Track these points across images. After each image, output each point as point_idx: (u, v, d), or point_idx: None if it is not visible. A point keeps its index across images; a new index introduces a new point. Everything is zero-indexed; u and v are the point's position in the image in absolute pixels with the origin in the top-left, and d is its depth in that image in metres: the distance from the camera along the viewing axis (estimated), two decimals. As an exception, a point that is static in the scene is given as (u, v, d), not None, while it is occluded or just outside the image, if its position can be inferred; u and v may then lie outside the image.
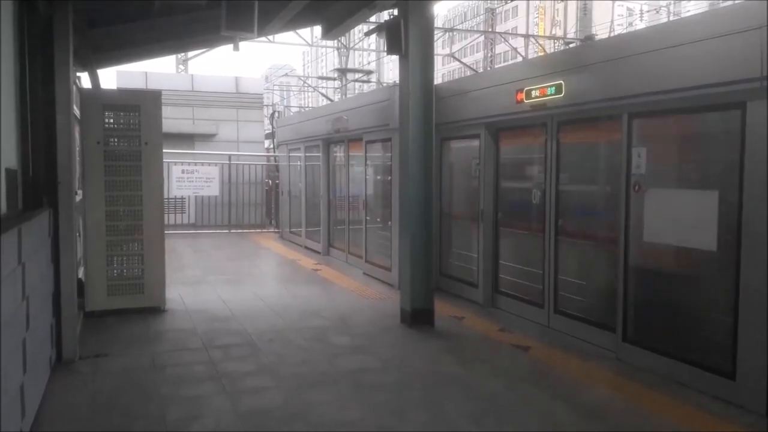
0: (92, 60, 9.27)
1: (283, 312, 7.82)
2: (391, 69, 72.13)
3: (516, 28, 62.32)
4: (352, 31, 25.32)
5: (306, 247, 13.91)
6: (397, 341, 6.65)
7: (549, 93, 6.72)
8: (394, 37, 7.18)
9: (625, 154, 5.78)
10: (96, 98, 7.62)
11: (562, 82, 6.54)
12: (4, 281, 3.27)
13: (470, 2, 70.36)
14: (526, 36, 33.84)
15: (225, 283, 9.73)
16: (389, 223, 9.70)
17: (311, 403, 4.84)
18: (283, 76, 55.77)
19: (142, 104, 7.51)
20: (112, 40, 9.22)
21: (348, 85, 29.92)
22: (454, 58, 29.55)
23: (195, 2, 7.15)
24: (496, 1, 38.61)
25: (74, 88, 6.63)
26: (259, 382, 5.32)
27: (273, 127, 19.66)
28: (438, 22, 47.63)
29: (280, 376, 5.47)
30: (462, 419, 4.58)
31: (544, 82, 6.78)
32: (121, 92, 9.51)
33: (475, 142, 8.23)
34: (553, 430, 4.46)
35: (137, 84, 17.43)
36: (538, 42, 33.71)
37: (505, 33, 39.00)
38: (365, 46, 43.17)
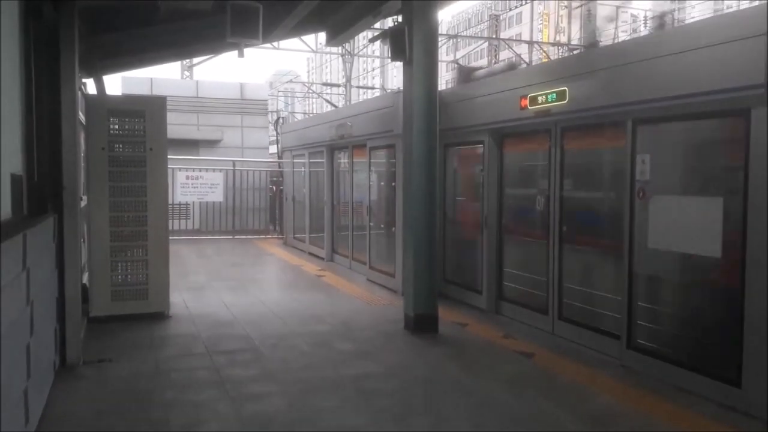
0: (98, 66, 9.32)
1: (286, 317, 7.82)
2: (395, 75, 72.24)
3: (520, 34, 62.37)
4: (356, 37, 25.40)
5: (310, 253, 13.91)
6: (401, 347, 6.64)
7: (552, 99, 6.72)
8: (398, 44, 7.19)
9: (629, 160, 5.77)
10: (101, 104, 7.65)
11: (566, 88, 6.54)
12: (9, 286, 3.28)
13: (474, 9, 70.50)
14: (530, 42, 33.89)
15: (229, 289, 9.74)
16: (393, 229, 9.70)
17: (315, 409, 4.83)
18: (287, 82, 55.93)
19: (147, 110, 7.54)
20: (117, 47, 9.27)
21: (351, 91, 29.97)
22: (458, 64, 29.59)
23: (200, 9, 7.19)
24: (500, 1, 38.58)
25: (79, 94, 6.65)
26: (262, 388, 5.32)
27: (277, 134, 19.72)
28: (442, 29, 47.76)
29: (283, 381, 5.47)
30: (465, 426, 4.56)
31: (548, 88, 6.78)
32: (126, 98, 9.55)
33: (479, 149, 8.23)
34: (557, 437, 4.45)
35: (142, 90, 17.49)
36: (542, 48, 33.73)
37: (509, 39, 39.03)
38: (369, 53, 43.25)
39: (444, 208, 9.08)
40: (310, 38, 24.51)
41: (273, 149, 23.19)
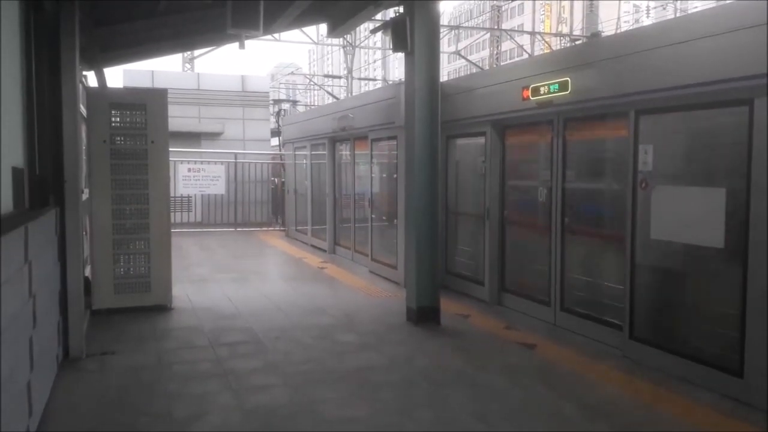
0: (99, 59, 9.29)
1: (289, 310, 7.83)
2: (396, 67, 72.05)
3: (522, 25, 62.15)
4: (357, 28, 25.31)
5: (312, 245, 13.93)
6: (403, 339, 6.65)
7: (555, 90, 6.69)
8: (400, 35, 7.17)
9: (632, 151, 5.76)
10: (102, 97, 7.64)
11: (568, 79, 6.51)
12: (11, 280, 3.29)
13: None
14: (532, 33, 33.76)
15: (231, 281, 9.75)
16: (395, 221, 9.70)
17: (317, 401, 4.85)
18: (289, 74, 55.75)
19: (148, 103, 7.52)
20: (118, 39, 9.25)
21: (352, 83, 29.88)
22: (460, 55, 29.50)
23: (201, 0, 7.16)
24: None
25: (81, 86, 6.64)
26: (265, 380, 5.34)
27: (279, 126, 19.71)
28: (444, 20, 47.59)
29: (286, 373, 5.48)
30: (468, 417, 4.57)
31: (551, 79, 6.76)
32: (128, 91, 9.53)
33: (481, 140, 8.21)
34: (559, 428, 4.45)
35: (144, 83, 17.47)
36: (544, 39, 33.60)
37: (511, 30, 38.88)
38: (371, 44, 43.12)
39: (446, 200, 9.06)
40: (311, 30, 24.48)
41: (275, 141, 23.18)
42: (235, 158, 17.35)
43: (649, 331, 5.73)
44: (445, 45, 41.70)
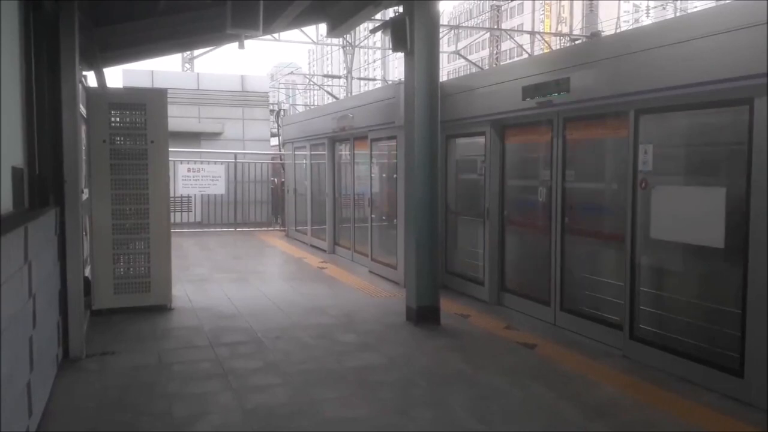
0: (98, 59, 9.30)
1: (289, 310, 7.83)
2: (396, 67, 72.05)
3: (522, 25, 62.20)
4: (357, 28, 25.31)
5: (312, 245, 13.93)
6: (403, 339, 6.65)
7: (555, 89, 6.69)
8: (400, 35, 7.16)
9: (631, 150, 5.75)
10: (102, 97, 7.64)
11: (568, 77, 6.51)
12: (11, 280, 3.28)
13: (476, -1, 70.16)
14: (532, 33, 33.76)
15: (231, 281, 9.75)
16: (395, 220, 9.70)
17: (317, 400, 4.85)
18: (288, 74, 55.71)
19: (148, 103, 7.52)
20: (118, 39, 9.25)
21: (352, 83, 29.87)
22: (460, 55, 29.51)
23: (201, 0, 7.16)
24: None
25: (80, 86, 6.63)
26: (265, 380, 5.33)
27: (278, 126, 19.71)
28: (443, 19, 47.63)
29: (286, 373, 5.48)
30: (468, 417, 4.57)
31: (550, 78, 6.75)
32: (127, 91, 9.54)
33: (481, 140, 8.21)
34: (559, 428, 4.45)
35: (143, 82, 17.46)
36: (543, 39, 33.60)
37: (510, 30, 38.91)
38: (371, 44, 43.12)
39: (446, 200, 9.06)
40: (311, 30, 24.50)
41: (274, 141, 23.18)
42: (235, 158, 17.35)
43: (649, 330, 5.73)
44: (445, 45, 41.71)
